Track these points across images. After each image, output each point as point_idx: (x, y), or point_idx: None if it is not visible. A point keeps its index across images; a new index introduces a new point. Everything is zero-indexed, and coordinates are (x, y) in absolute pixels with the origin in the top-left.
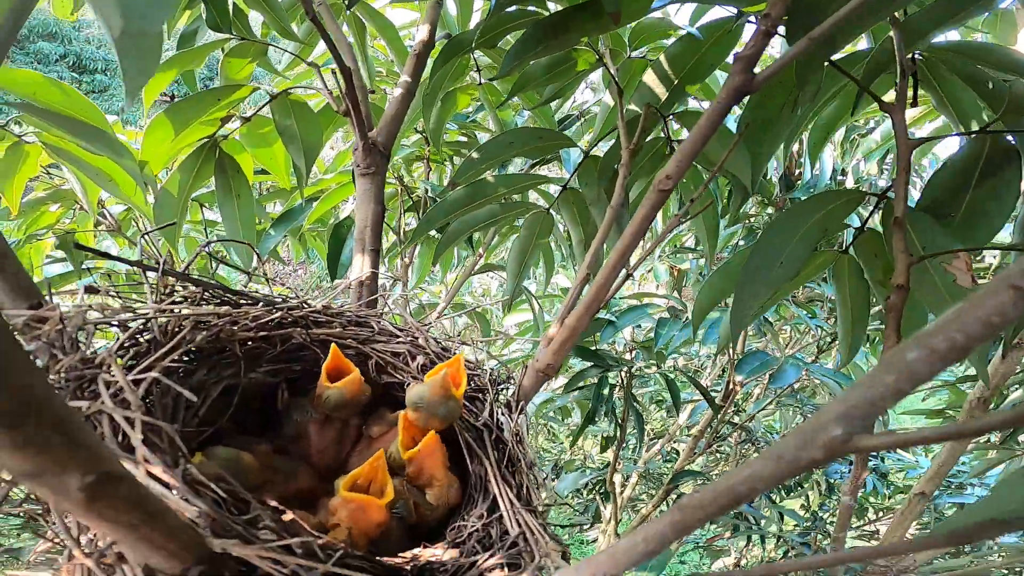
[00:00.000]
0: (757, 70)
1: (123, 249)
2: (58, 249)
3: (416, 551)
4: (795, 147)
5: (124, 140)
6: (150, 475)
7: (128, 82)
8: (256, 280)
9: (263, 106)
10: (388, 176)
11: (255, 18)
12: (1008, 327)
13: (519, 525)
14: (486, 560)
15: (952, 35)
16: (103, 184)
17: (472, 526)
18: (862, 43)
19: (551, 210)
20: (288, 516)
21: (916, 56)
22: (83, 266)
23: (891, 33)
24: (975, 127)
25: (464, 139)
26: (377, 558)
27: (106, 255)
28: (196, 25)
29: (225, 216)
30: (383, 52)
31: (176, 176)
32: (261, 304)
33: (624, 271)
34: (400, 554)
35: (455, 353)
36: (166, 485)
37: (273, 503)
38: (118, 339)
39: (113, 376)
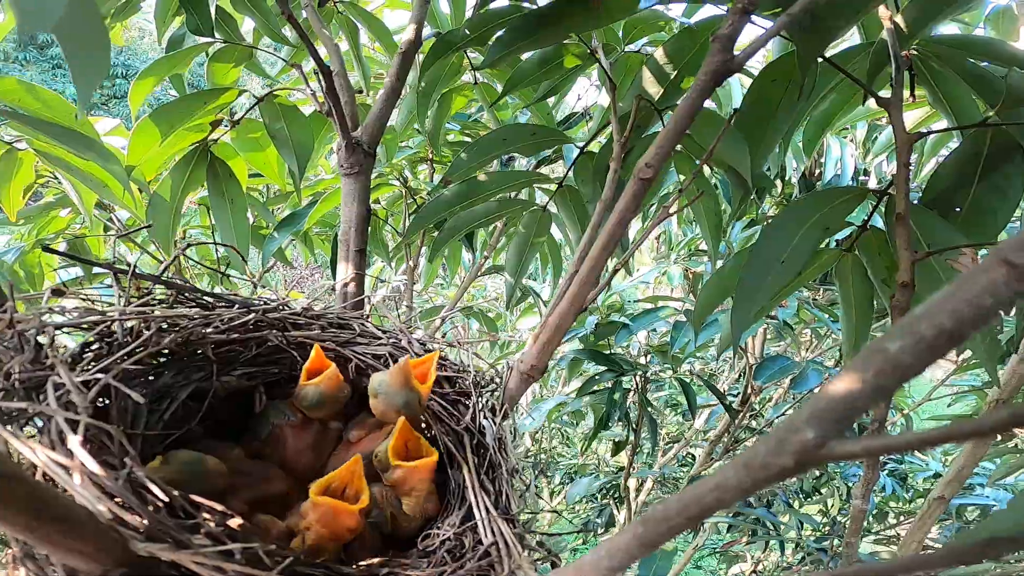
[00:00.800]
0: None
1: (131, 253)
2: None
3: (381, 559)
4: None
5: (113, 145)
6: (87, 477)
7: (80, 83)
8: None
9: (249, 109)
10: (391, 178)
11: (248, 24)
12: (1021, 322)
13: (493, 534)
14: (453, 571)
15: (951, 28)
16: (96, 189)
17: (444, 534)
18: (854, 39)
19: (549, 208)
20: (236, 521)
21: (913, 51)
22: (94, 271)
23: (885, 28)
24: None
25: (468, 139)
26: (337, 566)
27: (75, 257)
28: (184, 30)
29: (219, 221)
30: (382, 54)
31: (168, 181)
32: (236, 306)
33: (613, 266)
34: (363, 563)
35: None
36: (105, 490)
37: (221, 508)
38: (84, 341)
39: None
